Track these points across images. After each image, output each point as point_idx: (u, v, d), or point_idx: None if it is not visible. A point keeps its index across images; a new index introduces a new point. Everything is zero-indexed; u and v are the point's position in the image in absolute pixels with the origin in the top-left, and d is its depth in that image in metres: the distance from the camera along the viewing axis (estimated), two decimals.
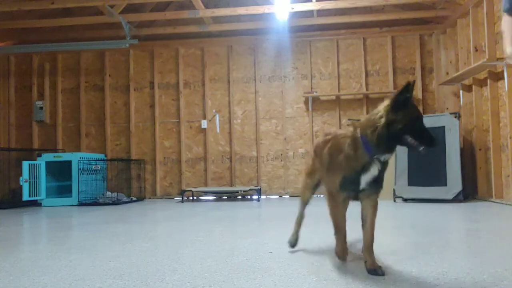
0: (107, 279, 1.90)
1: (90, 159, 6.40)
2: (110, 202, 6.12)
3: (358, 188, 1.89)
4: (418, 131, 1.74)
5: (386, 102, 1.79)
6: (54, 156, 6.29)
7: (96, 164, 6.48)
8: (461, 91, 5.89)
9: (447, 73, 6.25)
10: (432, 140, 1.75)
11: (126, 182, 6.83)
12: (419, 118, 1.77)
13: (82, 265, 2.20)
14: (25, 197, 5.86)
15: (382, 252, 2.34)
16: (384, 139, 1.75)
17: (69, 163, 6.17)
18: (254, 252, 2.42)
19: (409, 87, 1.71)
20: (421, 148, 1.75)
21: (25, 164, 5.93)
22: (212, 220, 4.07)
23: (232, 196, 6.45)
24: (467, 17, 5.63)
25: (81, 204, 6.05)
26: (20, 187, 5.91)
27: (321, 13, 6.42)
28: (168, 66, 7.14)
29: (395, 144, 1.79)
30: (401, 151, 5.45)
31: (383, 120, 1.75)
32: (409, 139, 1.74)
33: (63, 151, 7.03)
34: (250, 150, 6.86)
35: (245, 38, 6.98)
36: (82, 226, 4.02)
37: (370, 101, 6.67)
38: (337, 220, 2.05)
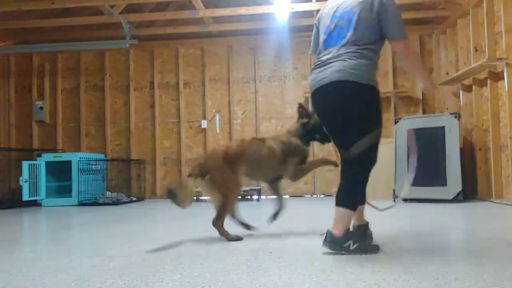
0: (107, 279, 1.90)
1: (90, 159, 6.40)
2: (110, 202, 6.12)
3: None
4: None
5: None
6: (54, 156, 6.29)
7: (96, 164, 6.47)
8: (461, 91, 5.89)
9: (447, 73, 6.24)
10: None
11: (126, 182, 6.82)
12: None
13: (82, 265, 2.20)
14: (25, 197, 5.86)
15: (382, 251, 2.34)
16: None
17: (69, 163, 6.17)
18: (254, 252, 2.42)
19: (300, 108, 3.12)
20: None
21: (25, 164, 5.93)
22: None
23: None
24: (467, 17, 5.62)
25: (81, 204, 6.04)
26: (20, 187, 5.91)
27: None
28: (168, 66, 7.13)
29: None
30: (402, 152, 5.45)
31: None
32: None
33: (63, 151, 7.02)
34: None
35: (245, 38, 6.98)
36: (82, 226, 4.02)
37: None
38: None
